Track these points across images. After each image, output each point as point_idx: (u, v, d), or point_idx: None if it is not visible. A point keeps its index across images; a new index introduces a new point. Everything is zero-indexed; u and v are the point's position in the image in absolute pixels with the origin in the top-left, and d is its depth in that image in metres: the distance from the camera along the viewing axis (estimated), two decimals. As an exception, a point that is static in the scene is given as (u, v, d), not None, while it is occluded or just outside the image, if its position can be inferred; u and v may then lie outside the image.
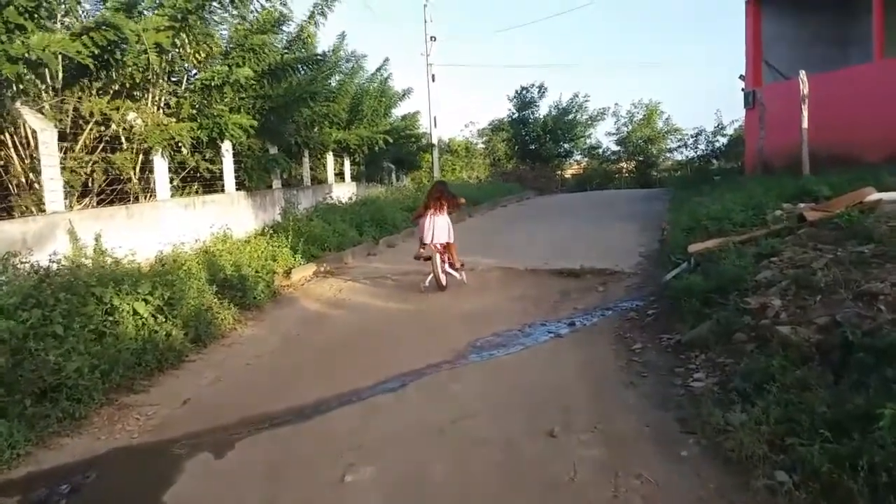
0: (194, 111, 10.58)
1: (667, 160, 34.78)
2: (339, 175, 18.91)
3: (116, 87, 9.59)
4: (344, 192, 17.11)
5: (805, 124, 11.19)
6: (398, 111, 23.85)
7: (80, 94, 8.92)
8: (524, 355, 5.87)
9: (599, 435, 4.10)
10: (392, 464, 3.95)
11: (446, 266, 8.60)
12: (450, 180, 29.65)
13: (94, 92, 9.13)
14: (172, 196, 10.58)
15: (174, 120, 10.15)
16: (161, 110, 10.39)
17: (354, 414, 4.77)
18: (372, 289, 9.00)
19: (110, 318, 6.02)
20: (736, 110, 63.34)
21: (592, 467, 3.71)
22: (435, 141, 28.17)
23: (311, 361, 6.09)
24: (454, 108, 64.44)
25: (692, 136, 33.22)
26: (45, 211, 7.82)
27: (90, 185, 9.26)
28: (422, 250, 8.75)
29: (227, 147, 11.59)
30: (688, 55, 79.21)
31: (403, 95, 22.97)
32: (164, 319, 6.41)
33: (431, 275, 8.47)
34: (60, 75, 8.27)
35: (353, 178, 19.78)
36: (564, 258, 9.65)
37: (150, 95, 10.18)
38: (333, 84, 18.24)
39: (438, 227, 8.57)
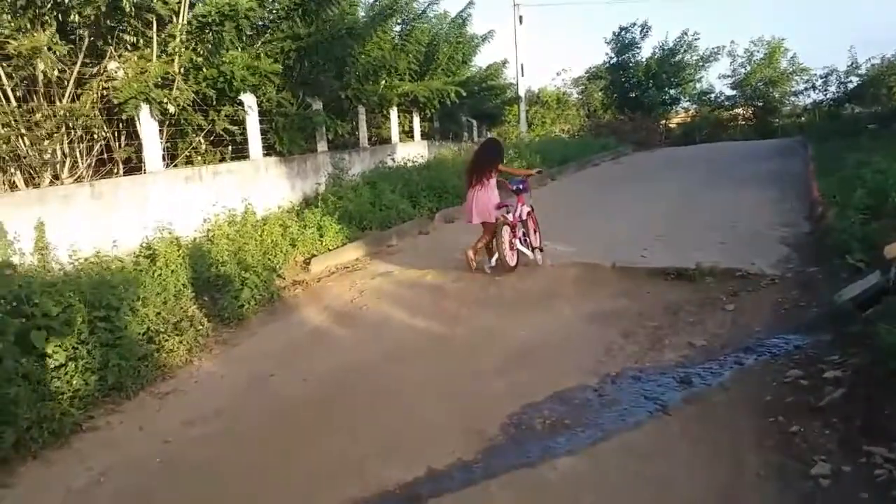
0: (199, 58, 8.37)
1: (788, 105, 29.64)
2: (409, 133, 16.43)
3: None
4: (411, 152, 14.61)
5: None
6: (480, 59, 20.94)
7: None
8: (602, 460, 3.22)
9: None
10: None
11: (517, 242, 6.63)
12: (539, 134, 26.47)
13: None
14: (180, 165, 8.55)
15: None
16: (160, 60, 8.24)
17: None
18: (403, 290, 6.54)
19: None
20: (871, 46, 54.36)
21: None
22: (522, 92, 24.94)
23: (251, 449, 3.70)
24: (545, 54, 59.32)
25: (821, 77, 27.99)
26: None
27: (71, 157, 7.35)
28: (471, 254, 6.77)
29: (250, 103, 9.36)
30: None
31: (484, 39, 19.85)
32: (78, 362, 4.28)
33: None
34: None
35: (425, 135, 17.23)
36: (670, 247, 6.75)
37: (154, 41, 8.00)
38: (398, 28, 15.73)
39: (482, 203, 6.62)
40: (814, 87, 28.30)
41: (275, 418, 4.08)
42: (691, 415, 3.53)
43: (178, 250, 6.65)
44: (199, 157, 9.52)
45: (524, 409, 3.77)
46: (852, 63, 27.17)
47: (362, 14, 13.49)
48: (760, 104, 28.73)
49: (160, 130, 8.28)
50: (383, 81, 14.05)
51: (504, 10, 24.43)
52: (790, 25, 53.05)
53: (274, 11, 9.92)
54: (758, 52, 28.52)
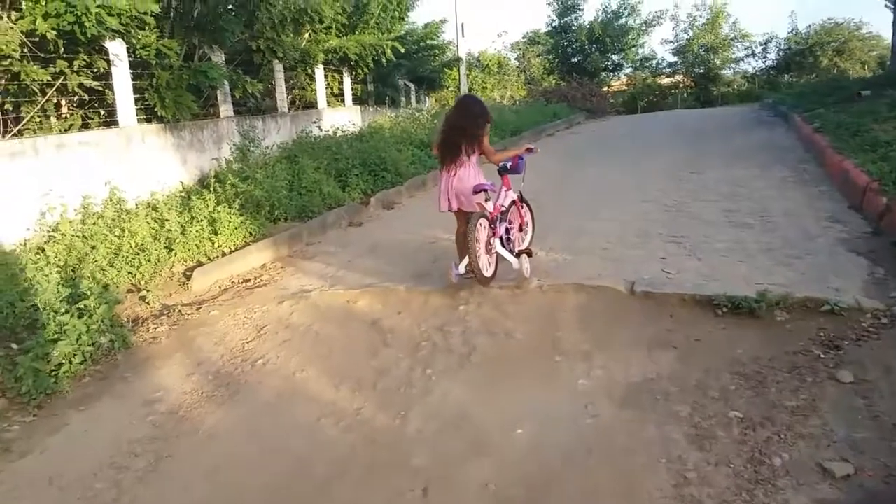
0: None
1: (728, 72, 28.46)
2: (339, 97, 13.84)
3: None
4: (341, 119, 12.09)
5: None
6: (416, 17, 18.36)
7: None
8: None
9: None
10: None
11: (497, 243, 4.41)
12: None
13: None
14: (29, 134, 5.92)
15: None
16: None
17: None
18: (323, 326, 4.27)
19: None
20: (814, 13, 52.01)
21: None
22: (462, 54, 22.45)
23: None
24: (485, 15, 56.11)
25: (761, 45, 26.95)
26: None
27: None
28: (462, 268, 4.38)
29: (117, 51, 6.72)
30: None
31: (423, -8, 17.30)
32: None
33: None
34: None
35: (358, 100, 14.66)
36: (698, 255, 4.73)
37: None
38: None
39: (464, 185, 4.44)
40: (753, 55, 27.28)
41: None
42: None
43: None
44: (58, 125, 6.90)
45: None
46: (792, 29, 26.20)
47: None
48: (701, 71, 27.37)
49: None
50: (307, 34, 11.44)
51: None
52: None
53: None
54: (700, 16, 27.12)
